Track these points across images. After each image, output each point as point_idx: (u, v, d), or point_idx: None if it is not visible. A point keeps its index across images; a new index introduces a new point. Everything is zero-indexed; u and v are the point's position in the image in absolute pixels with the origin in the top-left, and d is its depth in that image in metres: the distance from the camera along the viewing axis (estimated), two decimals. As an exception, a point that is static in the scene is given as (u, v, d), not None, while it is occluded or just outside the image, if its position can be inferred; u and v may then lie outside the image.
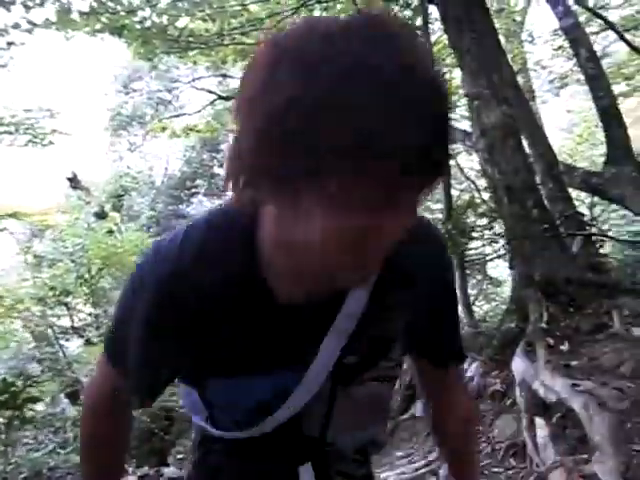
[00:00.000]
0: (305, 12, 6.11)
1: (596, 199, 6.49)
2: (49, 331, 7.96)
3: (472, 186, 8.34)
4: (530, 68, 10.12)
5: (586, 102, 9.18)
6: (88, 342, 7.58)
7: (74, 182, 11.19)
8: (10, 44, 4.76)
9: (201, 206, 14.77)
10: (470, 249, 6.46)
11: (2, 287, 7.08)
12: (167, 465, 4.48)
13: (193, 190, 14.26)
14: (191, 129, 4.86)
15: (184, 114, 13.16)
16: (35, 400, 4.36)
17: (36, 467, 4.02)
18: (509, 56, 7.64)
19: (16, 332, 7.84)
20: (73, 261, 7.46)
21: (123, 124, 13.69)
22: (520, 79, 8.27)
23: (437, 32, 7.59)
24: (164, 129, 4.87)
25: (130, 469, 4.19)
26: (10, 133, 6.21)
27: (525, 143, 5.24)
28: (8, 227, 7.60)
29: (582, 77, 6.17)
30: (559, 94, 11.39)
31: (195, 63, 7.32)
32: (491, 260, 7.94)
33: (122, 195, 12.00)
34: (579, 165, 10.57)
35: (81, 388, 7.42)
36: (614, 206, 6.21)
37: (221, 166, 14.62)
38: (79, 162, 18.50)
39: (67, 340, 8.27)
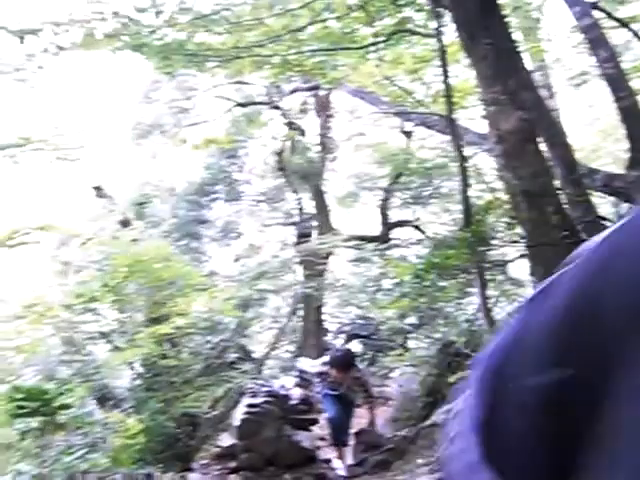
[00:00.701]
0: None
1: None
2: (77, 336, 8.15)
3: (491, 187, 8.24)
4: (549, 65, 9.95)
5: (609, 95, 9.03)
6: (115, 347, 7.74)
7: (99, 191, 11.41)
8: (40, 68, 4.91)
9: (221, 211, 14.92)
10: (490, 250, 6.41)
11: (33, 294, 7.26)
12: (191, 470, 4.56)
13: (213, 196, 14.38)
14: (211, 141, 4.91)
15: (203, 122, 13.32)
16: (68, 407, 4.49)
17: (68, 470, 4.13)
18: (527, 53, 7.54)
19: (46, 338, 8.05)
20: (99, 269, 7.62)
21: (144, 133, 13.88)
22: (539, 76, 8.16)
23: (452, 33, 7.54)
24: (185, 141, 4.93)
25: (156, 474, 4.27)
26: (38, 150, 6.39)
27: (543, 146, 5.17)
28: (39, 240, 7.82)
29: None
30: (580, 89, 11.19)
31: (213, 75, 7.42)
32: (512, 261, 7.86)
33: (144, 203, 12.19)
34: (603, 161, 10.39)
35: (108, 392, 7.62)
36: (638, 209, 6.08)
37: (240, 171, 14.75)
38: (103, 171, 18.83)
39: (95, 345, 8.45)
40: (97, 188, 11.72)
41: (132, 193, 12.38)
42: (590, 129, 12.39)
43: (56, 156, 6.47)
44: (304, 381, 5.73)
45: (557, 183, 5.07)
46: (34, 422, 4.30)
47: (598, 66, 5.70)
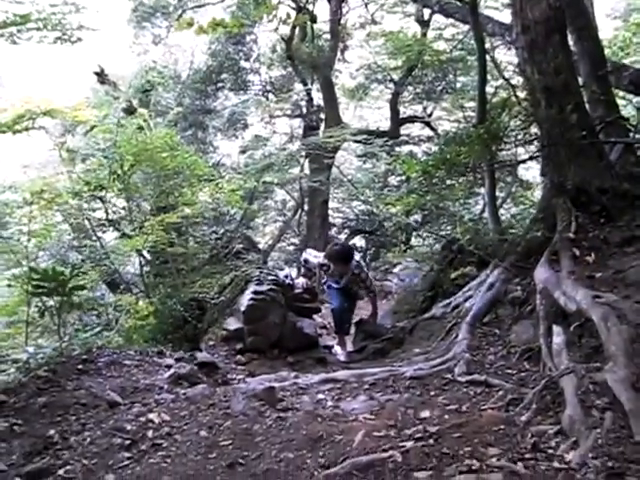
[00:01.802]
0: None
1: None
2: (86, 223, 8.29)
3: (509, 84, 7.89)
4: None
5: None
6: (123, 234, 7.89)
7: (101, 77, 10.99)
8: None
9: (228, 101, 14.48)
10: (502, 150, 6.25)
11: (41, 181, 7.26)
12: (200, 350, 4.81)
13: (219, 85, 13.89)
14: (217, 24, 4.60)
15: (208, 4, 12.52)
16: (81, 288, 4.67)
17: (85, 346, 4.39)
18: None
19: (57, 224, 8.17)
20: (105, 156, 7.55)
21: (146, 16, 13.11)
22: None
23: None
24: (190, 24, 4.62)
25: (167, 352, 4.52)
26: (38, 29, 6.04)
27: (570, 39, 4.87)
28: (44, 126, 7.65)
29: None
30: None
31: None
32: (523, 162, 7.71)
33: (149, 90, 11.78)
34: (631, 58, 9.81)
35: (118, 278, 7.90)
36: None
37: (247, 59, 14.12)
38: (105, 56, 18.07)
39: (103, 232, 8.62)
40: (99, 74, 11.30)
41: (136, 80, 11.94)
42: (622, 23, 11.57)
43: (56, 36, 6.14)
44: (308, 271, 5.89)
45: (580, 80, 4.84)
46: (51, 301, 4.50)
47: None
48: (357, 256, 6.07)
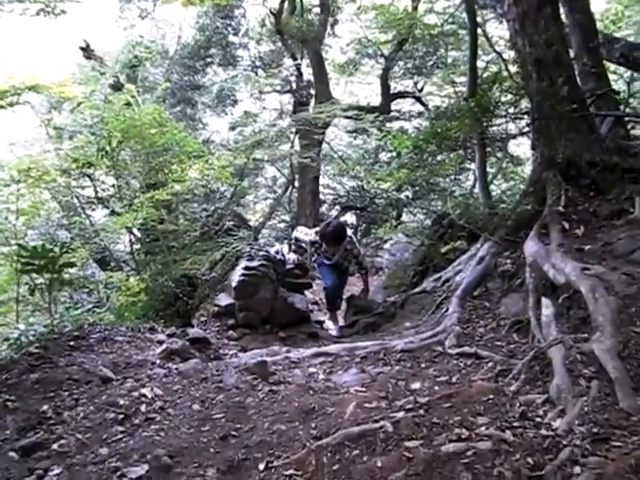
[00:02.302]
0: None
1: (636, 76, 6.06)
2: (75, 201, 8.20)
3: (500, 59, 7.83)
4: None
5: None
6: (113, 212, 7.82)
7: (87, 52, 10.76)
8: None
9: (216, 76, 14.25)
10: (492, 125, 6.24)
11: (28, 159, 7.15)
12: (192, 326, 4.82)
13: (207, 60, 13.66)
14: (205, -6, 4.49)
15: (196, -26, 12.20)
16: (71, 265, 4.64)
17: (77, 322, 4.39)
18: None
19: (45, 202, 8.09)
20: (93, 133, 7.44)
21: (132, -14, 12.82)
22: None
23: None
24: (177, -5, 4.53)
25: (159, 328, 4.52)
26: (21, 1, 5.87)
27: (562, 11, 4.82)
28: (29, 101, 7.50)
29: None
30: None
31: None
32: (514, 137, 7.70)
33: (136, 66, 11.55)
34: (623, 32, 9.73)
35: (109, 256, 7.86)
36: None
37: (235, 34, 13.87)
38: (90, 31, 17.66)
39: (93, 210, 8.55)
40: (85, 49, 11.05)
41: (122, 55, 11.69)
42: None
43: (38, 8, 5.97)
44: (299, 249, 5.88)
45: (571, 52, 4.81)
46: (41, 279, 4.47)
47: None
48: (349, 231, 6.06)
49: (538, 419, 2.43)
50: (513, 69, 6.18)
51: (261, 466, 2.45)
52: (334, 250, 5.61)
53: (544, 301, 3.38)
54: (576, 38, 5.01)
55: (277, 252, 5.60)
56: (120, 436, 2.76)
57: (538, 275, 3.61)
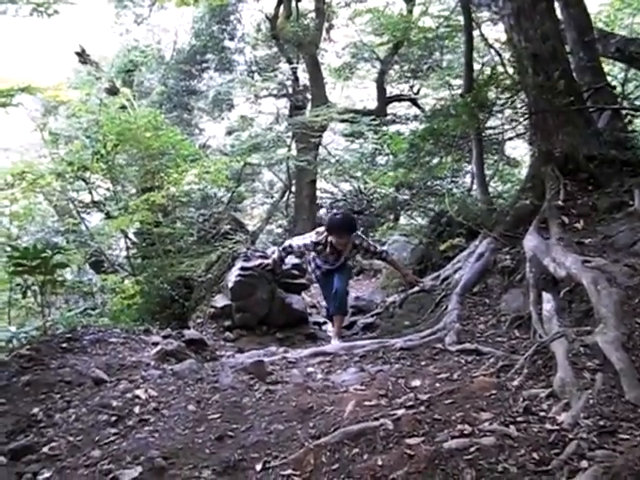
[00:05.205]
0: None
1: (632, 71, 6.04)
2: (70, 205, 8.15)
3: (496, 58, 7.82)
4: None
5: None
6: (108, 216, 7.76)
7: (83, 57, 10.73)
8: None
9: (212, 81, 14.23)
10: (489, 128, 6.20)
11: (23, 163, 7.11)
12: (188, 328, 4.76)
13: (203, 65, 13.65)
14: (199, -4, 4.46)
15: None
16: (63, 266, 4.57)
17: (71, 324, 4.32)
18: None
19: (40, 206, 8.04)
20: (88, 137, 7.40)
21: (128, -8, 12.83)
22: None
23: None
24: (171, -4, 4.49)
25: (154, 330, 4.46)
26: (14, 2, 5.82)
27: (557, 6, 4.80)
28: (22, 102, 7.45)
29: None
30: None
31: None
32: (510, 139, 7.66)
33: (132, 70, 11.53)
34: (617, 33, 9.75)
35: (104, 258, 7.78)
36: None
37: (231, 39, 13.86)
38: (86, 37, 17.69)
39: (88, 214, 8.49)
40: (80, 54, 11.03)
41: (118, 59, 11.68)
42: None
43: (31, 8, 5.93)
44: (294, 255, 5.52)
45: (567, 47, 4.78)
46: (33, 280, 4.40)
47: None
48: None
49: (542, 413, 2.37)
50: (510, 67, 6.15)
51: (258, 466, 2.37)
52: (343, 244, 4.87)
53: (545, 296, 3.32)
54: (571, 33, 4.98)
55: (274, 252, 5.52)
56: (113, 438, 2.69)
57: (538, 270, 3.55)
